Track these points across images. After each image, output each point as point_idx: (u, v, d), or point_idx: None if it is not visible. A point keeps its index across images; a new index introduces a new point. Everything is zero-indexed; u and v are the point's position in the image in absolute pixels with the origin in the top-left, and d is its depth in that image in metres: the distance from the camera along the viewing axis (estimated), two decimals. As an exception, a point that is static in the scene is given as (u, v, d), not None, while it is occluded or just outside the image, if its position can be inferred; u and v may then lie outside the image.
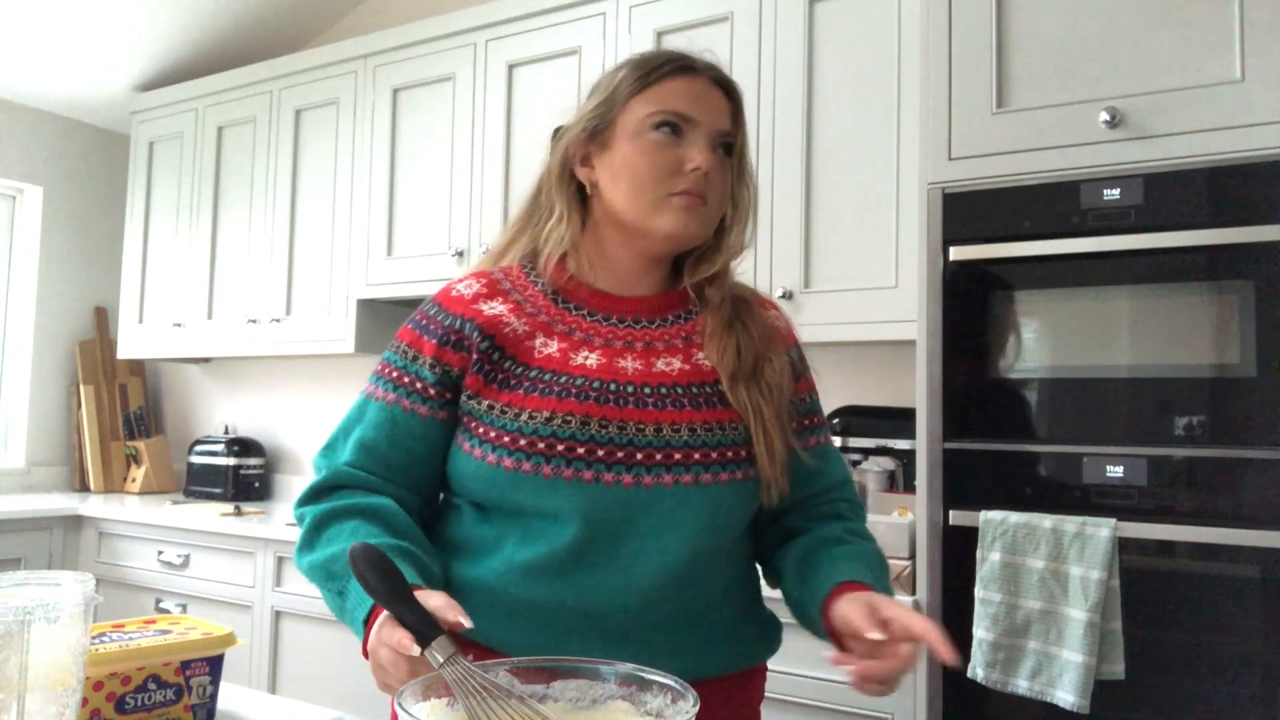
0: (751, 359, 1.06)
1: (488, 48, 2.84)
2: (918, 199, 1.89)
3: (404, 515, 1.03)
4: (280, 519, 2.99)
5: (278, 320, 3.25)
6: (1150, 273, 1.67)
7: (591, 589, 0.98)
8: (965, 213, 1.82)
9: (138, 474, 3.81)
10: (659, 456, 0.99)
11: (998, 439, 1.76)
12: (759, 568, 1.17)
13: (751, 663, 1.09)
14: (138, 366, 4.06)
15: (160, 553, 3.09)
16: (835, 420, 2.32)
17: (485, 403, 1.02)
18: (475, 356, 1.03)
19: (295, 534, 2.73)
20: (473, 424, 1.03)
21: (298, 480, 3.60)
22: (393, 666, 0.84)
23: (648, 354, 1.05)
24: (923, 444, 1.82)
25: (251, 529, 2.85)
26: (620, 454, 0.98)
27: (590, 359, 1.03)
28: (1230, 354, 1.59)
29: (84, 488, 3.82)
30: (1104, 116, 1.70)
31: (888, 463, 2.23)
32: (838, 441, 2.30)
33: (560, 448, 0.98)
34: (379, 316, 3.14)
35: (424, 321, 1.08)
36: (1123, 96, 1.71)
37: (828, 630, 1.00)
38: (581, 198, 1.11)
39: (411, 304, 3.21)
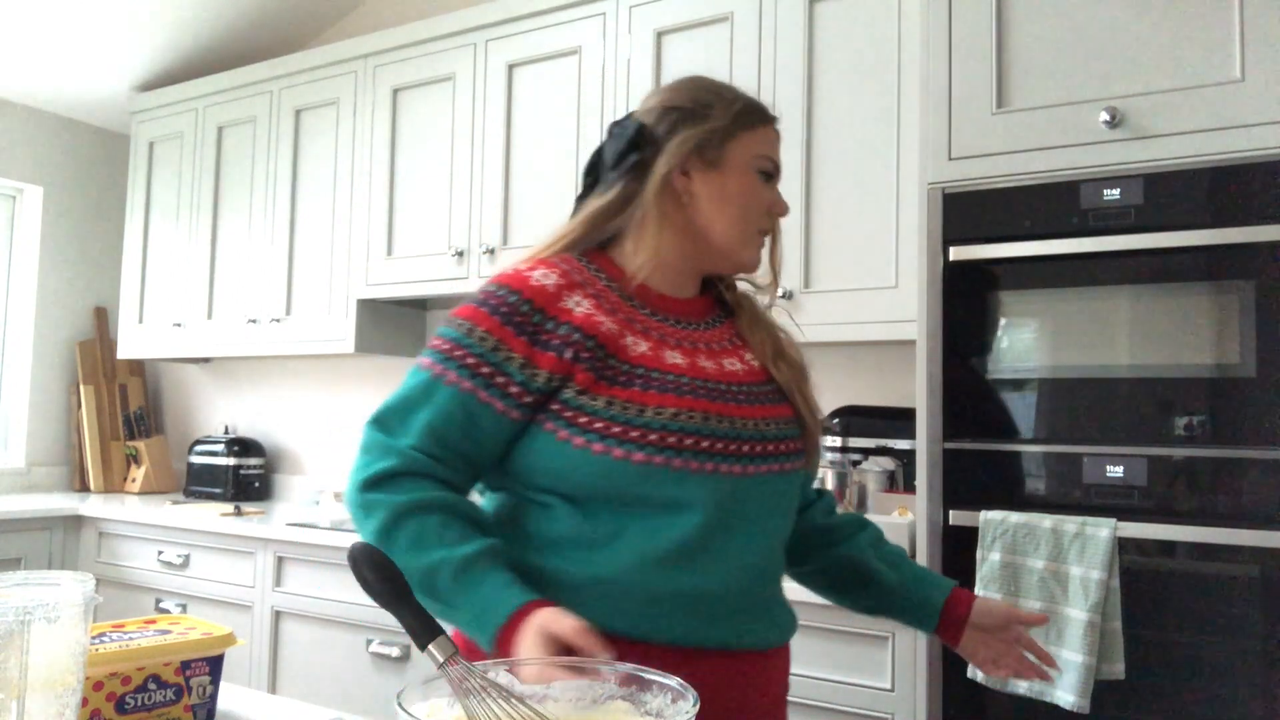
0: (782, 343, 1.20)
1: (488, 48, 2.84)
2: (918, 199, 1.89)
3: (481, 510, 1.07)
4: (280, 519, 2.99)
5: (278, 320, 3.25)
6: (1150, 273, 1.67)
7: (715, 573, 1.04)
8: (965, 213, 1.82)
9: (138, 474, 3.81)
10: (759, 449, 1.09)
11: (998, 439, 1.76)
12: None
13: (795, 630, 1.17)
14: (138, 366, 4.06)
15: (160, 553, 3.09)
16: (835, 420, 2.32)
17: (602, 399, 1.03)
18: (585, 355, 1.04)
19: (295, 534, 2.74)
20: (581, 419, 1.03)
21: (298, 480, 3.60)
22: (579, 639, 0.87)
23: (712, 354, 1.14)
24: (922, 444, 1.82)
25: (251, 529, 2.85)
26: (733, 447, 1.07)
27: (676, 358, 1.09)
28: (1230, 354, 1.59)
29: (84, 488, 3.82)
30: (1104, 116, 1.71)
31: (888, 463, 2.23)
32: (838, 441, 2.31)
33: (688, 441, 1.03)
34: (379, 316, 3.14)
35: (508, 312, 1.06)
36: (1123, 96, 1.71)
37: (947, 618, 1.23)
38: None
39: (412, 304, 3.21)
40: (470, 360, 1.04)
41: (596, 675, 0.76)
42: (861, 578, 1.26)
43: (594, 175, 1.19)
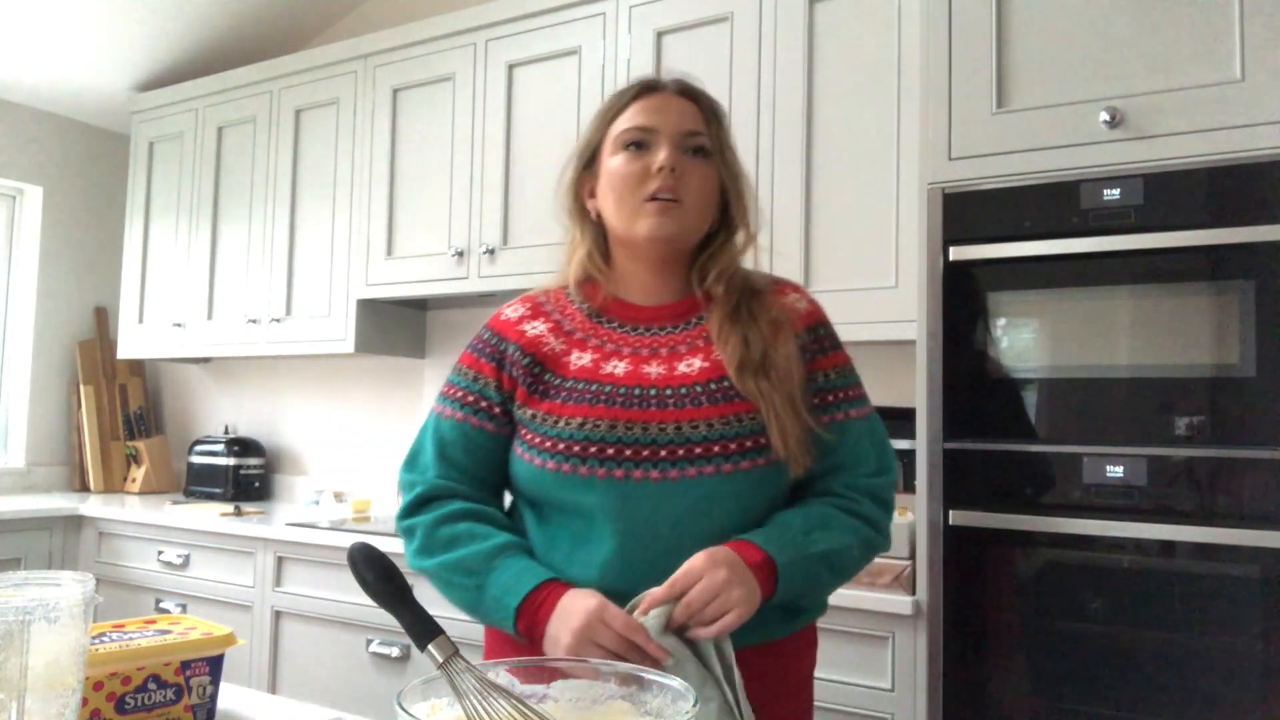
0: (760, 348, 1.11)
1: (488, 48, 2.84)
2: (918, 199, 1.89)
3: (500, 514, 1.17)
4: (280, 519, 2.99)
5: (278, 320, 3.25)
6: (1150, 273, 1.67)
7: (641, 578, 1.04)
8: (965, 213, 1.82)
9: (138, 474, 3.81)
10: (681, 452, 1.07)
11: (998, 439, 1.76)
12: None
13: (798, 625, 1.15)
14: (138, 366, 4.06)
15: (160, 553, 3.09)
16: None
17: (530, 412, 1.14)
18: (520, 373, 1.16)
19: (295, 534, 2.75)
20: (523, 431, 1.15)
21: (298, 480, 3.60)
22: (618, 623, 0.97)
23: (671, 358, 1.14)
24: (923, 444, 1.82)
25: (251, 529, 2.85)
26: (645, 452, 1.07)
27: (619, 367, 1.13)
28: (1230, 354, 1.59)
29: (84, 488, 3.82)
30: (1104, 116, 1.71)
31: (888, 463, 2.23)
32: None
33: (593, 449, 1.08)
34: (379, 316, 3.14)
35: (481, 346, 1.21)
36: (1123, 96, 1.71)
37: None
38: (602, 225, 1.21)
39: (412, 304, 3.21)
40: (459, 394, 1.19)
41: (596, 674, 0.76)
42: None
43: None
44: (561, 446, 1.09)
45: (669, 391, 1.10)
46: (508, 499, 1.23)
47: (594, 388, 1.11)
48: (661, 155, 1.12)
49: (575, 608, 1.00)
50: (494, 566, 1.07)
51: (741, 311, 1.14)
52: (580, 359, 1.14)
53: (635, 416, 1.08)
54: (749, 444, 1.08)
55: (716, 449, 1.07)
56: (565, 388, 1.12)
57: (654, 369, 1.12)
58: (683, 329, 1.16)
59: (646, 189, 1.13)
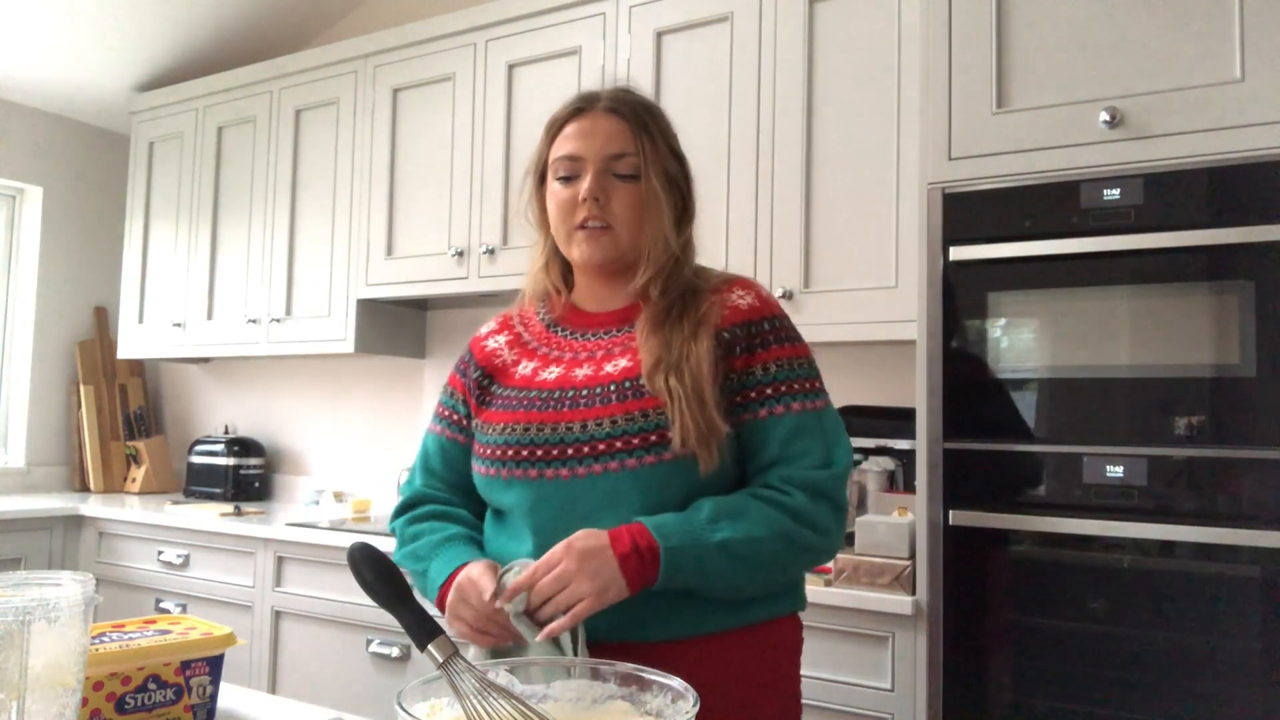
0: (679, 350, 1.12)
1: (488, 48, 2.84)
2: (918, 199, 1.89)
3: (466, 514, 1.25)
4: (280, 519, 2.99)
5: (278, 320, 3.25)
6: (1150, 273, 1.67)
7: None
8: (965, 213, 1.82)
9: (138, 474, 3.81)
10: (586, 449, 1.11)
11: (998, 439, 1.76)
12: None
13: (751, 618, 1.12)
14: (138, 366, 4.06)
15: (160, 553, 3.09)
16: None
17: (477, 422, 1.23)
18: (472, 385, 1.25)
19: (295, 534, 2.75)
20: (474, 443, 1.23)
21: (299, 480, 3.60)
22: (475, 600, 1.05)
23: (603, 360, 1.17)
24: (923, 444, 1.82)
25: (251, 529, 2.85)
26: (555, 451, 1.12)
27: (553, 373, 1.19)
28: (1230, 354, 1.59)
29: (84, 488, 3.82)
30: (1104, 116, 1.71)
31: (888, 463, 2.23)
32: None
33: (510, 452, 1.14)
34: (379, 316, 3.14)
35: (458, 363, 1.31)
36: (1123, 96, 1.71)
37: None
38: None
39: (412, 304, 3.21)
40: (441, 410, 1.30)
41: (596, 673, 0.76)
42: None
43: None
44: (490, 452, 1.16)
45: (585, 392, 1.14)
46: None
47: (523, 394, 1.18)
48: (584, 186, 1.17)
49: (457, 584, 1.09)
50: (437, 554, 1.16)
51: (671, 313, 1.16)
52: (525, 368, 1.21)
53: (548, 418, 1.14)
54: (653, 438, 1.08)
55: (619, 444, 1.09)
56: (503, 396, 1.20)
57: (583, 371, 1.17)
58: (621, 333, 1.20)
59: (576, 217, 1.18)
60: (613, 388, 1.13)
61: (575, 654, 1.02)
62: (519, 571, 1.05)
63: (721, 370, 1.13)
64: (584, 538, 1.03)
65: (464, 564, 1.11)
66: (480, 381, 1.24)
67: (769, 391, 1.13)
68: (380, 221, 3.02)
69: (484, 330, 1.31)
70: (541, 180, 1.24)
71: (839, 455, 1.13)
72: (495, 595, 1.04)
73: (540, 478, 1.12)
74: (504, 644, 1.07)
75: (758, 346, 1.15)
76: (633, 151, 1.18)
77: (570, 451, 1.11)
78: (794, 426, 1.12)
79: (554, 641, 1.03)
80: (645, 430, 1.09)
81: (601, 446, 1.10)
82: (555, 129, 1.22)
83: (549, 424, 1.13)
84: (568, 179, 1.19)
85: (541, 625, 1.01)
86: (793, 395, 1.13)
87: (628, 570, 1.02)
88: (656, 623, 1.08)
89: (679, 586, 1.06)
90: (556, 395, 1.15)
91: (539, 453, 1.12)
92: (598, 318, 1.23)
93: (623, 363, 1.15)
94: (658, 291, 1.18)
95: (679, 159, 1.24)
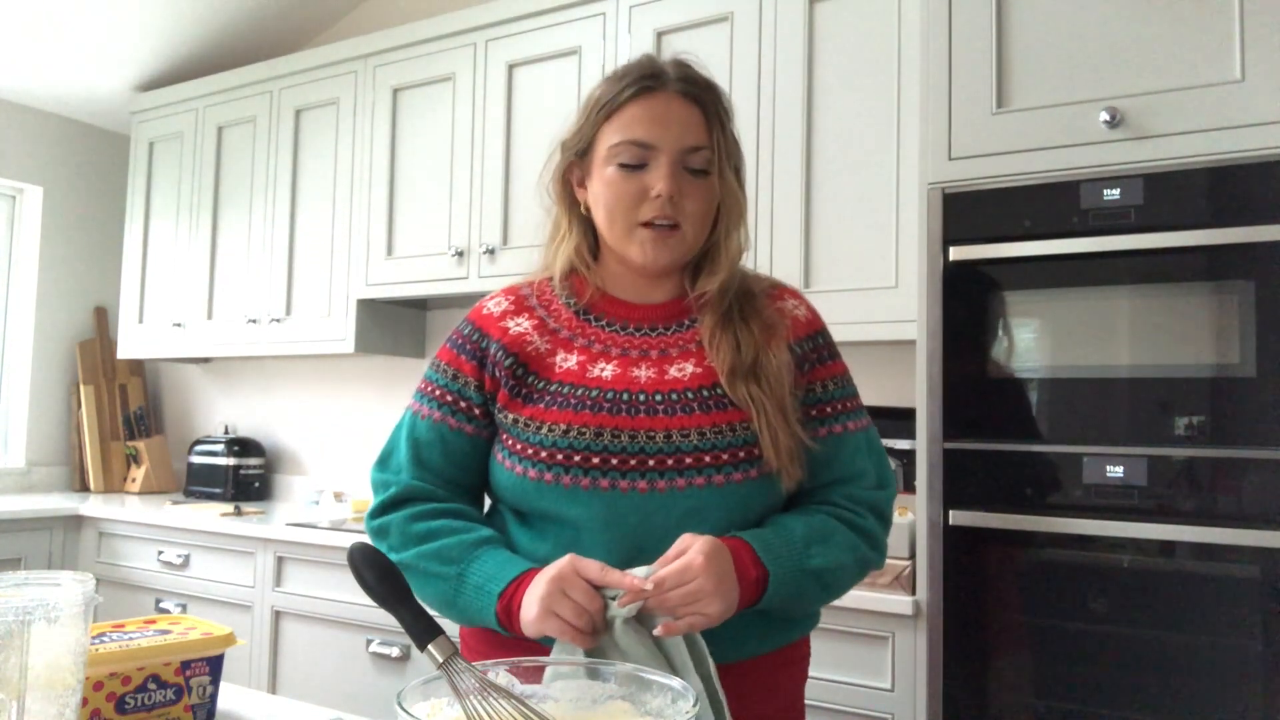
0: (751, 354, 1.07)
1: (488, 48, 2.84)
2: (918, 199, 1.89)
3: (478, 516, 1.13)
4: (280, 519, 2.99)
5: (278, 320, 3.25)
6: (1150, 273, 1.67)
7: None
8: (965, 213, 1.82)
9: (138, 474, 3.81)
10: (670, 462, 1.03)
11: (998, 439, 1.76)
12: None
13: (788, 639, 1.10)
14: (138, 366, 4.06)
15: (160, 553, 3.09)
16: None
17: (511, 416, 1.09)
18: (502, 374, 1.10)
19: (295, 534, 2.74)
20: (504, 437, 1.10)
21: (298, 480, 3.60)
22: (583, 595, 0.92)
23: (661, 361, 1.09)
24: (923, 444, 1.82)
25: (251, 529, 2.85)
26: (633, 461, 1.03)
27: (606, 370, 1.08)
28: (1230, 354, 1.59)
29: (84, 488, 3.82)
30: (1104, 116, 1.70)
31: (888, 463, 2.23)
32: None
33: (577, 458, 1.03)
34: (379, 316, 3.14)
35: (461, 342, 1.14)
36: (1123, 96, 1.71)
37: None
38: (592, 219, 1.15)
39: (412, 304, 3.21)
40: (437, 392, 1.13)
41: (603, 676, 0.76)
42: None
43: None
44: (545, 454, 1.04)
45: (659, 397, 1.05)
46: (487, 503, 1.19)
47: (580, 392, 1.06)
48: (660, 182, 1.05)
49: (544, 576, 0.95)
50: (476, 556, 1.03)
51: (734, 315, 1.10)
52: (566, 361, 1.09)
53: (623, 424, 1.03)
54: (741, 454, 1.04)
55: (707, 459, 1.03)
56: (550, 392, 1.07)
57: (644, 372, 1.07)
58: (674, 331, 1.12)
59: (642, 213, 1.06)
60: (691, 395, 1.05)
61: (690, 669, 0.93)
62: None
63: (796, 383, 1.09)
64: (716, 556, 0.94)
65: (529, 569, 1.00)
66: (514, 371, 1.09)
67: (828, 410, 1.12)
68: (380, 221, 3.02)
69: (494, 308, 1.15)
70: (581, 156, 1.13)
71: (890, 476, 1.15)
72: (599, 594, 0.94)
73: (613, 489, 1.02)
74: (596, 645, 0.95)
75: (817, 362, 1.14)
76: (707, 145, 1.08)
77: (651, 463, 1.02)
78: (854, 446, 1.12)
79: (660, 652, 0.94)
80: (734, 445, 1.04)
81: (689, 460, 1.02)
82: (612, 106, 1.08)
83: (626, 430, 1.03)
84: (633, 167, 1.06)
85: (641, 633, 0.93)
86: (848, 414, 1.14)
87: (744, 597, 0.98)
88: (727, 645, 1.00)
89: (768, 608, 1.02)
90: (626, 398, 1.05)
91: (613, 461, 1.02)
92: (640, 310, 1.13)
93: (689, 368, 1.08)
94: (718, 290, 1.10)
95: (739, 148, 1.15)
